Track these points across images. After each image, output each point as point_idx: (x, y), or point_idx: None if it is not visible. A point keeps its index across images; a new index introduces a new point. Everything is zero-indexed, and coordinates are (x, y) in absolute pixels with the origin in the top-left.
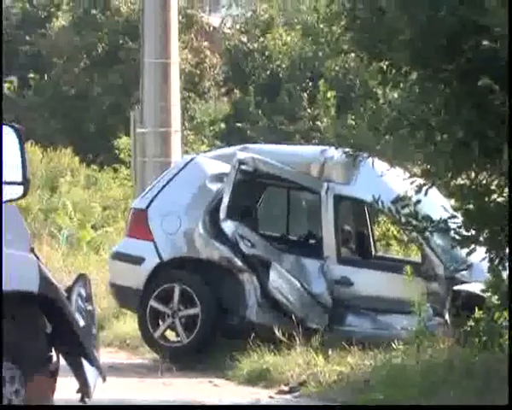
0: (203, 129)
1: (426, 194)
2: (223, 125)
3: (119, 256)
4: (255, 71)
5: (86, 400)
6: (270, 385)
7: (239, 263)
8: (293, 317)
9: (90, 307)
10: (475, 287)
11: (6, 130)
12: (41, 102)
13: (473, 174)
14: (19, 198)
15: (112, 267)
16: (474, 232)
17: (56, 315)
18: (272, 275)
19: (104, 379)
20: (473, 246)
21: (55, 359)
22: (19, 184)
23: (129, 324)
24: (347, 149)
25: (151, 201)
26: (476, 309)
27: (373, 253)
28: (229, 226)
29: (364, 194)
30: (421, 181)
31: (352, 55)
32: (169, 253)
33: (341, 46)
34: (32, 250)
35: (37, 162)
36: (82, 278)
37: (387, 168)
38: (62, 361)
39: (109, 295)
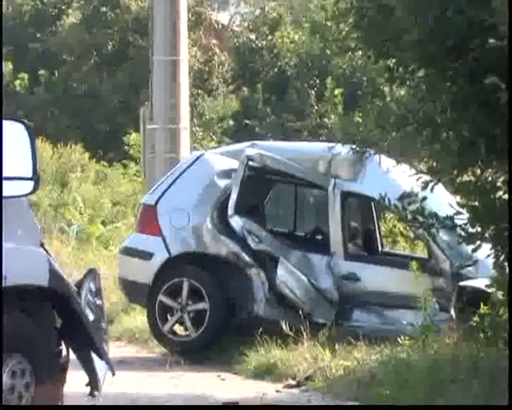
0: (212, 126)
1: (432, 191)
2: (231, 122)
3: (128, 251)
4: (263, 68)
5: (96, 393)
6: (277, 379)
7: (247, 258)
8: (301, 312)
9: (99, 302)
10: (481, 283)
11: (16, 126)
12: (51, 98)
13: (479, 171)
14: (29, 193)
15: (121, 262)
16: (479, 229)
17: (66, 309)
18: (280, 270)
19: (113, 373)
20: (478, 242)
21: (64, 353)
22: (29, 179)
23: (138, 318)
24: (354, 146)
25: (160, 196)
26: (481, 305)
27: (379, 249)
28: (237, 222)
29: (371, 190)
30: (427, 178)
31: (360, 52)
32: (178, 248)
33: (349, 44)
34: (43, 245)
35: (47, 158)
36: (92, 273)
37: (394, 165)
38: (72, 355)
39: (118, 289)
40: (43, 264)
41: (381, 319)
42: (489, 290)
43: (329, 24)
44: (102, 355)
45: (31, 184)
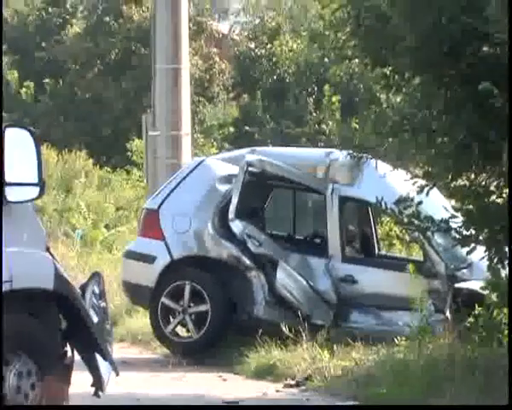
0: (213, 132)
1: (427, 195)
2: (231, 129)
3: (131, 255)
4: (263, 76)
5: (100, 393)
6: (277, 379)
7: (247, 261)
8: (300, 313)
9: (103, 304)
10: (475, 285)
11: (22, 133)
12: (56, 106)
13: (473, 176)
14: (35, 199)
15: (125, 266)
16: (473, 232)
17: (71, 312)
18: (279, 273)
19: (117, 373)
20: (473, 245)
21: (69, 354)
22: (35, 185)
23: (141, 320)
24: (352, 152)
25: (162, 201)
26: (476, 306)
27: (376, 252)
28: (237, 226)
29: (368, 195)
30: (422, 182)
31: (357, 60)
32: (180, 252)
33: (346, 52)
34: (48, 249)
35: (52, 164)
36: (96, 276)
37: (390, 170)
38: (77, 356)
39: (122, 292)
40: (49, 267)
41: (378, 321)
42: (483, 292)
43: (327, 33)
44: (106, 356)
45: (36, 189)
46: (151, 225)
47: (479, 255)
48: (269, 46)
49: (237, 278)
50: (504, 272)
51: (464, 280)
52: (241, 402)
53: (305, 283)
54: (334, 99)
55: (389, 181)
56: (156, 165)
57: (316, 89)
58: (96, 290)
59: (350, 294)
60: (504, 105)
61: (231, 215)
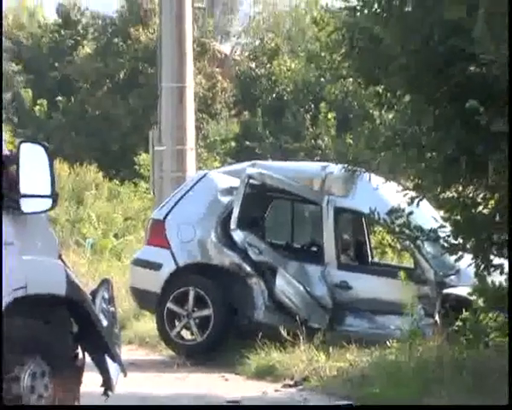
0: (215, 147)
1: (417, 206)
2: (233, 144)
3: (139, 263)
4: (262, 94)
5: (109, 393)
6: (276, 380)
7: (248, 269)
8: (297, 318)
9: (112, 309)
10: (463, 290)
11: (36, 148)
12: (68, 122)
13: (460, 188)
14: (48, 210)
15: (132, 273)
16: (461, 241)
17: (82, 316)
18: (278, 280)
19: (125, 374)
20: (460, 253)
21: (81, 356)
22: (48, 197)
23: (148, 324)
24: (346, 165)
25: (168, 212)
26: (463, 311)
27: (370, 259)
28: (238, 235)
29: (362, 206)
30: (413, 194)
31: (351, 79)
32: (184, 259)
33: (341, 72)
34: (60, 257)
35: (64, 177)
36: (105, 283)
37: (383, 182)
38: (88, 358)
39: (130, 297)
40: (61, 274)
41: (372, 324)
42: (470, 297)
43: (323, 54)
44: (115, 358)
45: (49, 201)
46: (157, 234)
47: (466, 263)
48: (268, 66)
49: (238, 284)
50: (490, 279)
51: (452, 286)
52: (242, 401)
53: (302, 289)
54: (329, 116)
55: (381, 193)
56: (162, 178)
57: (312, 106)
58: (106, 296)
59: (345, 299)
60: (490, 122)
61: (233, 225)
